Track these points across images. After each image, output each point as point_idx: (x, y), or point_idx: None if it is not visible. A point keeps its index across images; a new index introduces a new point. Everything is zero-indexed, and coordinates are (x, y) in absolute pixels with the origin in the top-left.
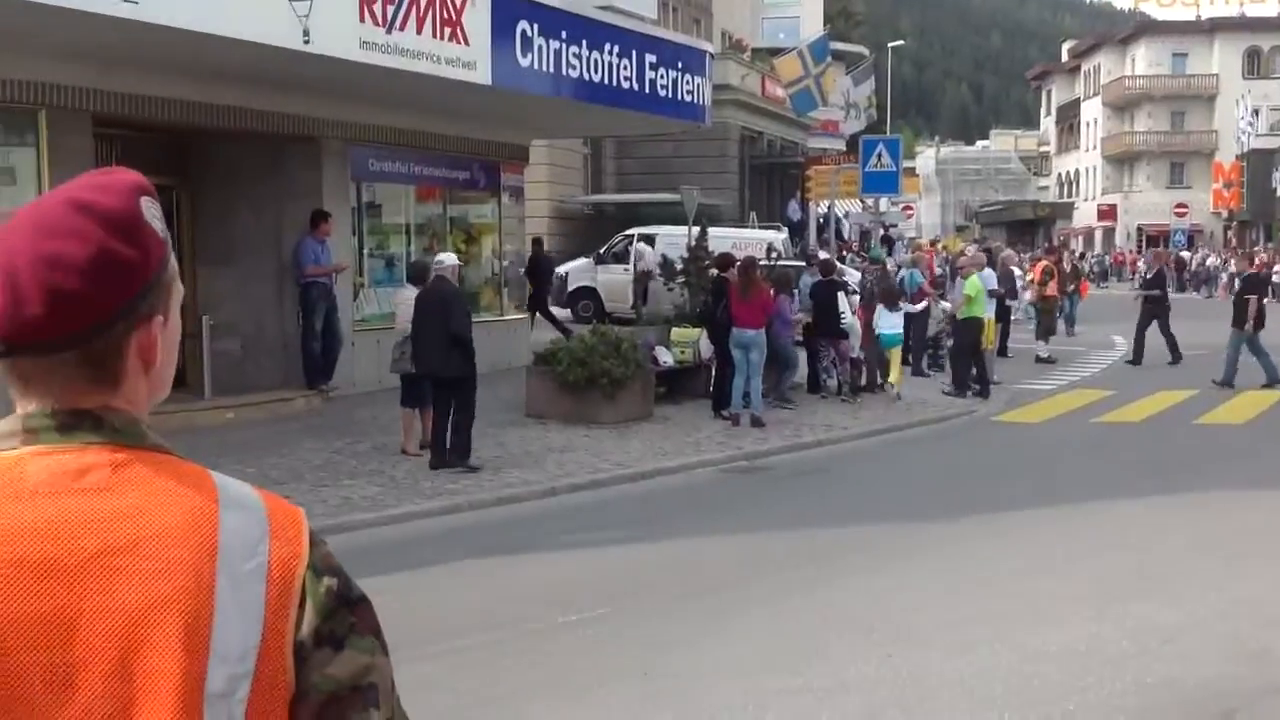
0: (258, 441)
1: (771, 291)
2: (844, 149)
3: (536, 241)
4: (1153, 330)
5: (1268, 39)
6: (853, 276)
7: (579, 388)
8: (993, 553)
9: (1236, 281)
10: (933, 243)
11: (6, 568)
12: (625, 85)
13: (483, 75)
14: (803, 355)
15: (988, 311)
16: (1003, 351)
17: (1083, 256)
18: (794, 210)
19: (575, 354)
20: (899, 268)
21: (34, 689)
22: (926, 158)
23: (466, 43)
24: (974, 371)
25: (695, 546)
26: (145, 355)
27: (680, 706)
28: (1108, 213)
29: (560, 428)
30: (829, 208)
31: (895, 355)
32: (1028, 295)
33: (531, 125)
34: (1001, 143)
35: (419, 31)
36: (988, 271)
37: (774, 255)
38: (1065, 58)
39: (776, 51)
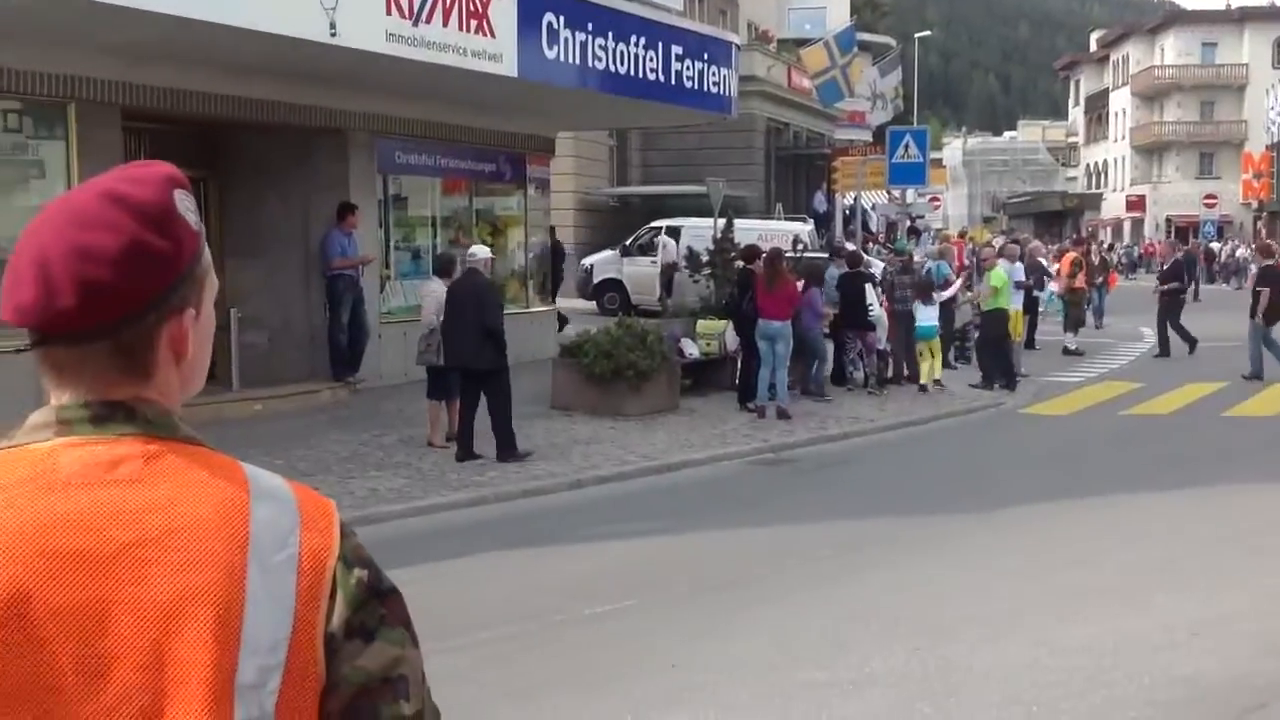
0: (285, 433)
1: (801, 284)
2: (870, 140)
3: (549, 230)
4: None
5: None
6: (876, 267)
7: (605, 380)
8: (1020, 545)
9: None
10: (961, 234)
11: (40, 559)
12: (651, 77)
13: (509, 67)
14: (829, 347)
15: (1015, 303)
16: (1030, 344)
17: (1111, 248)
18: (820, 202)
19: (601, 346)
20: (925, 259)
21: (66, 680)
22: (953, 149)
23: (492, 35)
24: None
25: (721, 539)
26: (176, 347)
27: (706, 699)
28: (1136, 204)
29: (586, 420)
30: (855, 199)
31: (934, 347)
32: (1053, 286)
33: (557, 117)
34: (1029, 133)
35: (445, 24)
36: (1004, 264)
37: (800, 247)
38: (1094, 47)
39: (803, 42)
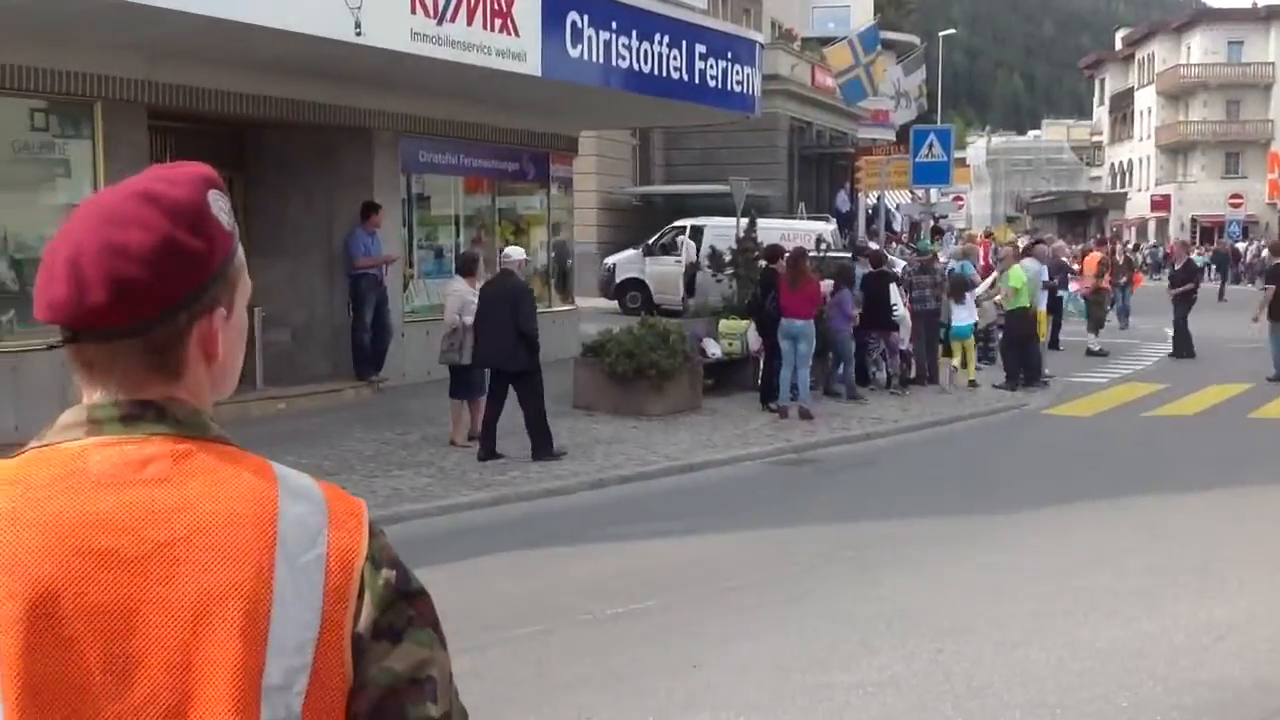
0: (309, 432)
1: (829, 284)
2: (894, 139)
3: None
4: (1193, 318)
5: None
6: (898, 267)
7: (627, 379)
8: (1044, 547)
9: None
10: (987, 234)
11: (70, 558)
12: (675, 76)
13: (533, 66)
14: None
15: (1040, 303)
16: (1054, 344)
17: (1137, 248)
18: (843, 201)
19: (623, 345)
20: (950, 260)
21: (93, 679)
22: (977, 148)
23: (516, 34)
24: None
25: (743, 539)
26: (207, 347)
27: (728, 700)
28: (1161, 203)
29: (608, 419)
30: (879, 199)
31: (968, 347)
32: (1073, 286)
33: (581, 116)
34: (1053, 132)
35: (469, 23)
36: (1030, 263)
37: (823, 246)
38: (1119, 46)
39: (826, 41)
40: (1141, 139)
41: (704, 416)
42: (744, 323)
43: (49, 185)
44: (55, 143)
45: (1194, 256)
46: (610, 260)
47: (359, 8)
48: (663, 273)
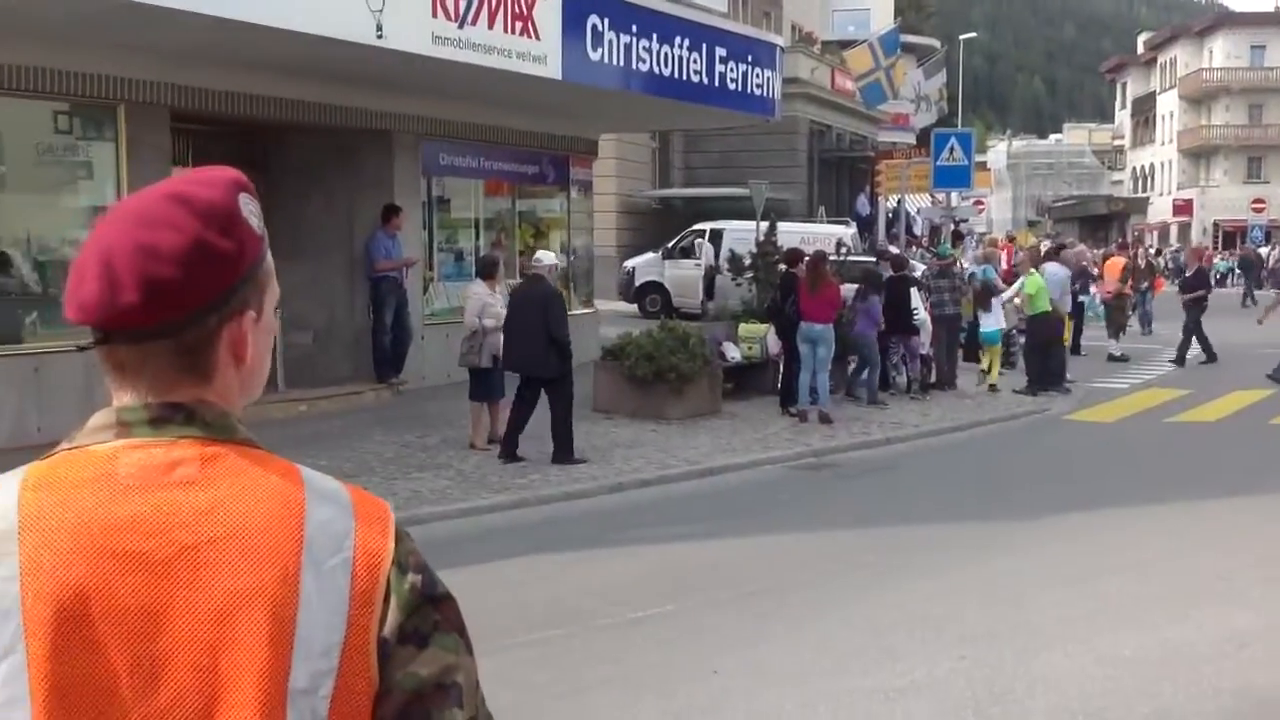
0: (329, 434)
1: (850, 288)
2: (914, 143)
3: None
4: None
5: None
6: (918, 271)
7: (646, 383)
8: (1066, 553)
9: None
10: (1009, 238)
11: (99, 561)
12: (695, 79)
13: (553, 69)
14: None
15: (1066, 308)
16: (1075, 349)
17: (1159, 253)
18: (863, 205)
19: (643, 349)
20: (971, 264)
21: (121, 681)
22: (998, 151)
23: (537, 37)
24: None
25: (763, 544)
26: (236, 349)
27: (749, 706)
28: (1183, 208)
29: (627, 423)
30: (899, 202)
31: (995, 352)
32: (1094, 291)
33: (601, 119)
34: (1075, 136)
35: (490, 26)
36: (1055, 267)
37: (843, 250)
38: (1141, 50)
39: (846, 44)
40: (1163, 143)
41: (723, 420)
42: (763, 326)
43: (71, 187)
44: (78, 145)
45: (1219, 261)
46: (630, 263)
47: (380, 11)
48: (682, 276)
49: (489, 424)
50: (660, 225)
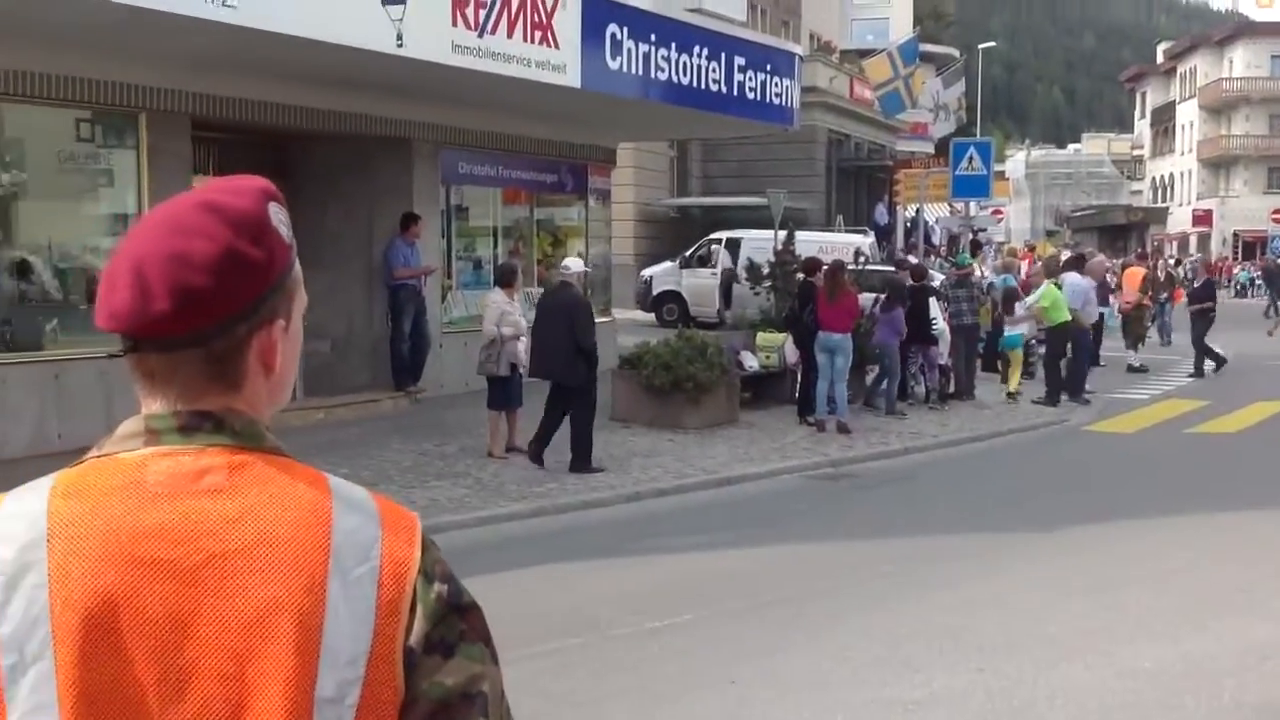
0: (347, 442)
1: (869, 297)
2: (933, 152)
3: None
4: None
5: None
6: (936, 280)
7: (664, 392)
8: (1085, 565)
9: None
10: (1030, 248)
11: (127, 568)
12: (714, 88)
13: (572, 78)
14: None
15: (1093, 318)
16: (1095, 360)
17: (1179, 263)
18: (881, 214)
19: (661, 358)
20: (990, 274)
21: (148, 689)
22: (1017, 161)
23: (557, 46)
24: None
25: (781, 554)
26: (266, 358)
27: (766, 716)
28: (1203, 218)
29: (645, 432)
30: (917, 212)
31: (1016, 358)
32: (1111, 300)
33: (619, 128)
34: (1094, 146)
35: (510, 35)
36: (1075, 278)
37: (861, 260)
38: (1160, 59)
39: (865, 53)
40: (1183, 153)
41: (741, 430)
42: (781, 336)
43: (93, 195)
44: (99, 153)
45: (1239, 272)
46: (647, 272)
47: (400, 20)
48: (699, 285)
49: (507, 432)
50: (678, 234)
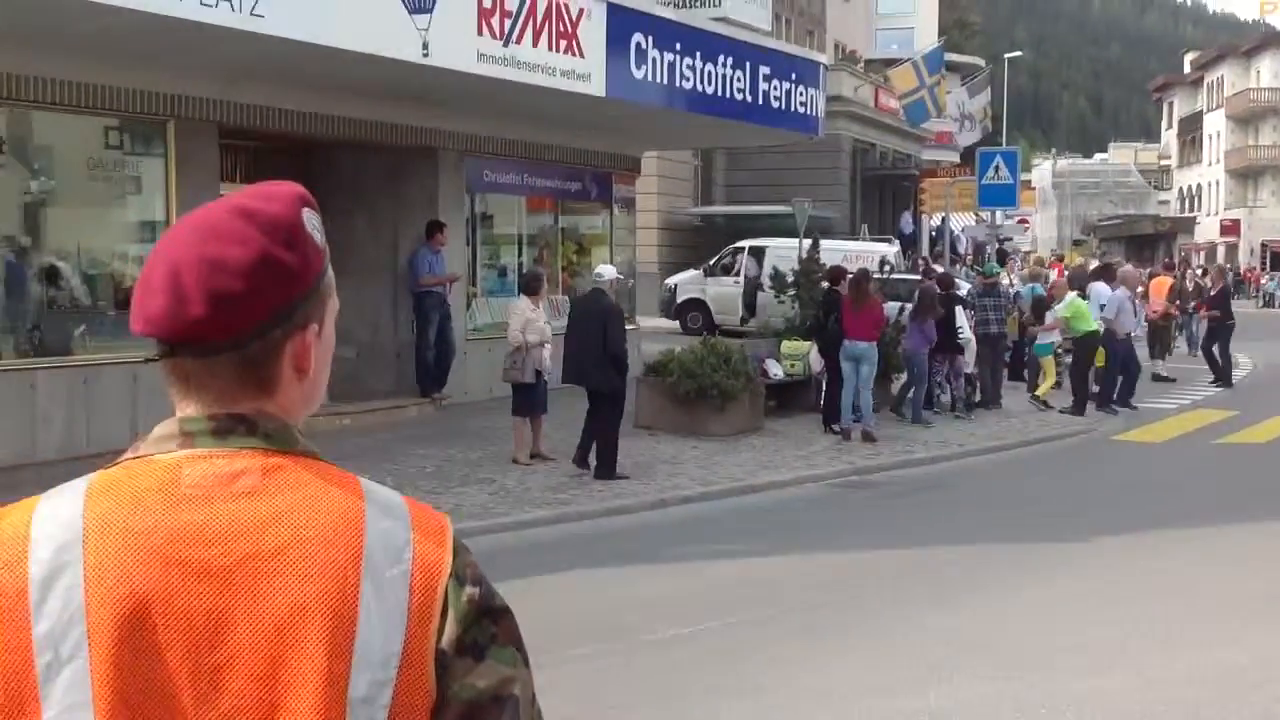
0: (372, 448)
1: (894, 306)
2: (958, 161)
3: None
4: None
5: None
6: (963, 289)
7: (688, 399)
8: (1114, 574)
9: None
10: (1059, 257)
11: (161, 568)
12: (738, 97)
13: (597, 87)
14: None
15: (1131, 327)
16: (1136, 371)
17: (1205, 273)
18: (907, 223)
19: (685, 365)
20: (1019, 283)
21: (181, 689)
22: (1043, 170)
23: (581, 55)
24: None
25: (806, 561)
26: (299, 362)
27: None
28: (1231, 228)
29: (669, 439)
30: (943, 220)
31: (1049, 366)
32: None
33: (643, 136)
34: (1120, 155)
35: (535, 44)
36: (1102, 287)
37: (886, 268)
38: (1187, 69)
39: (890, 62)
40: (1210, 163)
41: (766, 438)
42: (806, 344)
43: (121, 202)
44: (128, 160)
45: (1267, 282)
46: (671, 280)
47: (427, 29)
48: (724, 293)
49: (531, 439)
50: (702, 242)
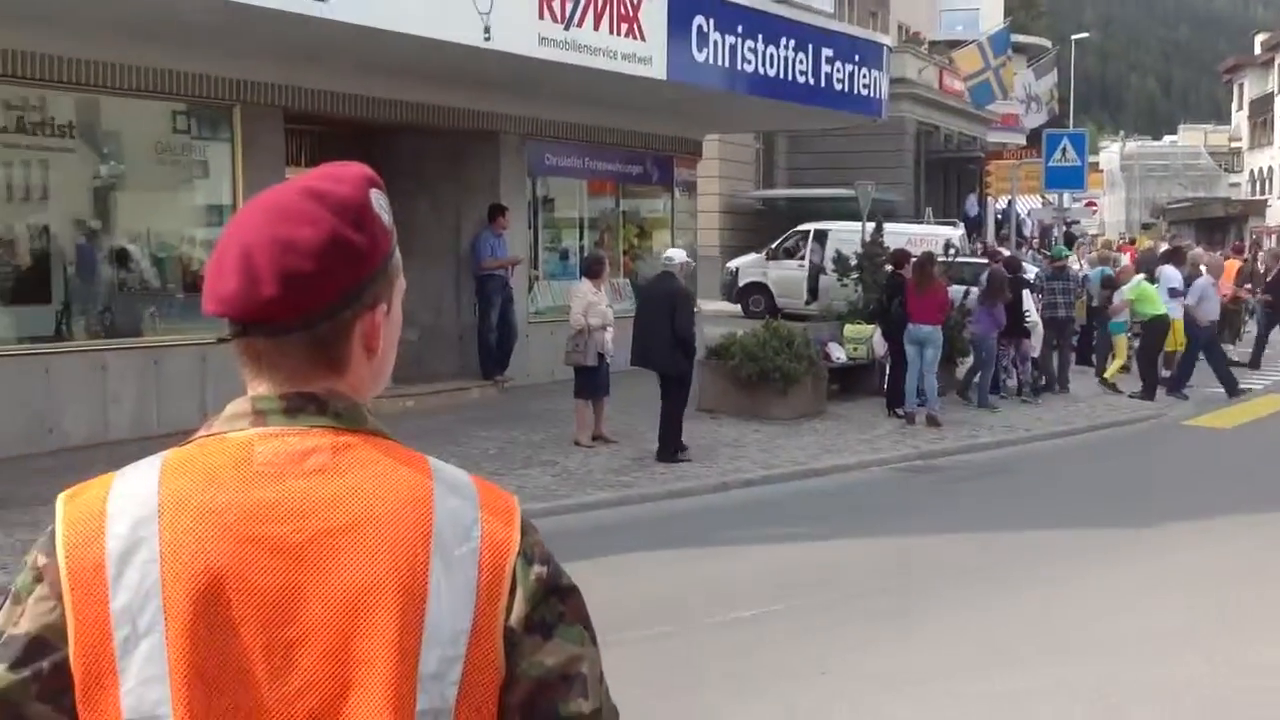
0: (435, 430)
1: (958, 289)
2: (1024, 143)
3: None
4: None
5: None
6: (1030, 273)
7: (751, 383)
8: (1184, 561)
9: None
10: (1130, 240)
11: (234, 544)
12: (800, 79)
13: (658, 70)
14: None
15: (1175, 312)
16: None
17: (1277, 257)
18: (972, 206)
19: (747, 349)
20: (1086, 266)
21: (254, 664)
22: (1111, 152)
23: (643, 38)
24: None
25: (870, 545)
26: (368, 342)
27: (857, 709)
28: None
29: (731, 422)
30: (1009, 203)
31: (1120, 345)
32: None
33: (705, 120)
34: (1190, 137)
35: (596, 27)
36: (1171, 271)
37: (952, 252)
38: (1258, 50)
39: (955, 44)
40: None
41: (828, 421)
42: (869, 327)
43: (188, 186)
44: (195, 145)
45: None
46: (733, 264)
47: (488, 13)
48: (786, 277)
49: (593, 421)
50: (763, 226)
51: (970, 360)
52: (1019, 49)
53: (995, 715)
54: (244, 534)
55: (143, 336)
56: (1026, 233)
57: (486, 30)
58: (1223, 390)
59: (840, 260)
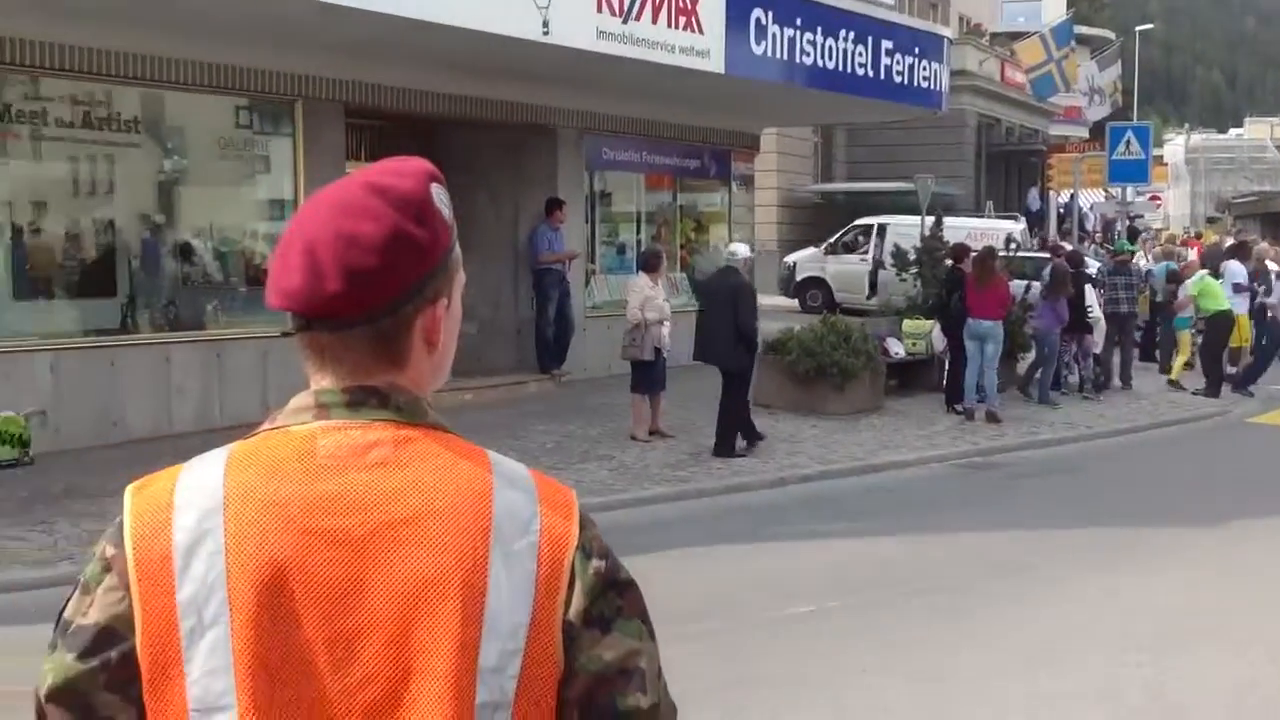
0: (493, 423)
1: (1020, 284)
2: (1087, 136)
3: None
4: None
5: None
6: (1093, 268)
7: (808, 378)
8: (1246, 561)
9: None
10: (1196, 235)
11: (299, 536)
12: (860, 72)
13: (716, 64)
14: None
15: (1239, 308)
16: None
17: None
18: (1034, 200)
19: (804, 344)
20: (1150, 261)
21: (317, 655)
22: (1175, 145)
23: (701, 31)
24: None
25: (928, 542)
26: (429, 336)
27: (920, 707)
28: None
29: (788, 417)
30: (1071, 197)
31: (1184, 342)
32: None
33: (763, 113)
34: (1256, 130)
35: (654, 21)
36: (1236, 266)
37: (1013, 246)
38: None
39: (1017, 36)
40: None
41: (886, 417)
42: (928, 323)
43: (250, 181)
44: (257, 140)
45: None
46: (791, 258)
47: (547, 7)
48: (845, 271)
49: (650, 416)
50: (821, 220)
51: (1031, 356)
52: (1082, 41)
53: (1052, 714)
54: (307, 526)
55: (206, 330)
56: (1089, 227)
57: (545, 24)
58: None
59: (899, 255)
